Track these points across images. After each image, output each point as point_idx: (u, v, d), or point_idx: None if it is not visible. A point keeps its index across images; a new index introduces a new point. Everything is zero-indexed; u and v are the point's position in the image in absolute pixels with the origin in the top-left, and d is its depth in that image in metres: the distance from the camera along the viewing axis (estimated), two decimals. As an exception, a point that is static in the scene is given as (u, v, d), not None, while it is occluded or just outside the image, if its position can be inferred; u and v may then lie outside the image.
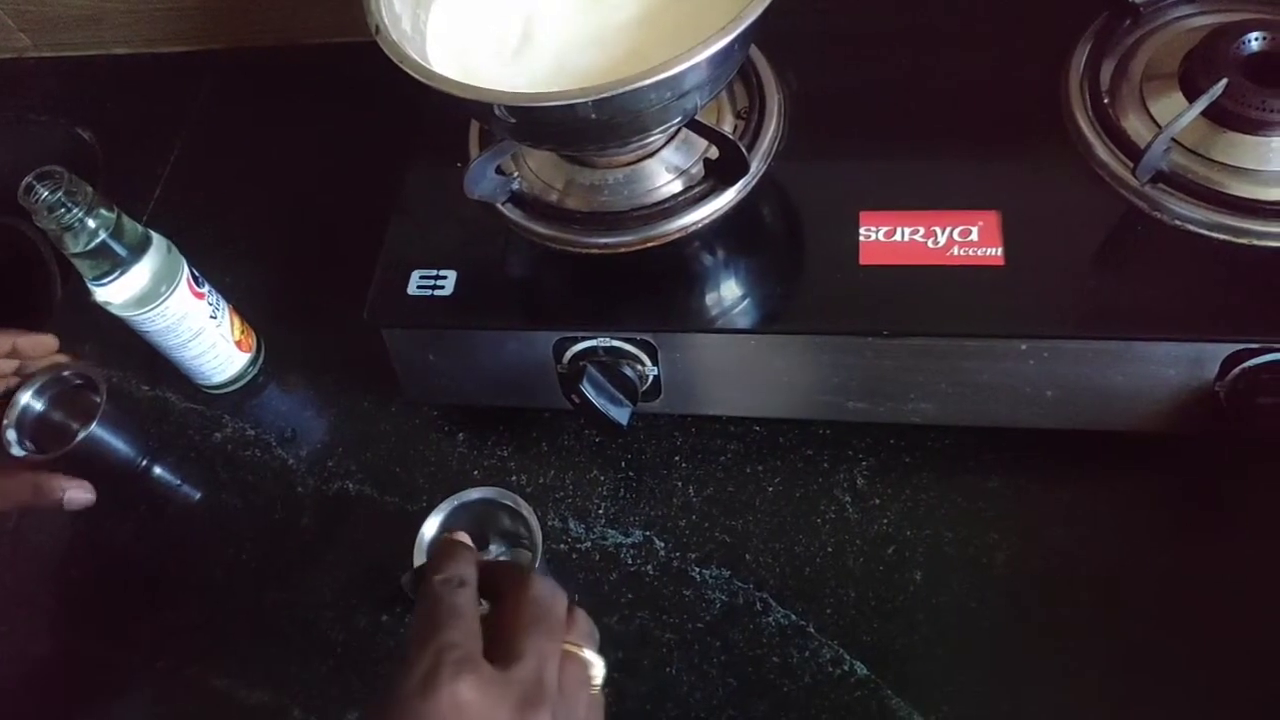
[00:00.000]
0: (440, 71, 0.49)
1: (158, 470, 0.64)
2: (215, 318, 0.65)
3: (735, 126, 0.59)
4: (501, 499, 0.52)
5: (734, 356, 0.55)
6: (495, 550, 0.57)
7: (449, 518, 0.52)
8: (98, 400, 0.59)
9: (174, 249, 0.62)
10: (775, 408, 0.59)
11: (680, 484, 0.60)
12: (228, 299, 0.67)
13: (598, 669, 0.41)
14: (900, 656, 0.52)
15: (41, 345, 0.60)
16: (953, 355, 0.52)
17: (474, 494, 0.52)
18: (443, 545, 0.44)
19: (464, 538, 0.45)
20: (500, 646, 0.39)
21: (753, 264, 0.56)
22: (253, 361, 0.69)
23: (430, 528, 0.51)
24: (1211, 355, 0.49)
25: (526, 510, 0.52)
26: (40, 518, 0.66)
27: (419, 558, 0.50)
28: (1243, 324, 0.48)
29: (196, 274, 0.63)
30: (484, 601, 0.42)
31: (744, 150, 0.53)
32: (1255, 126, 0.50)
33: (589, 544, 0.59)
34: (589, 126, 0.48)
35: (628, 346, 0.55)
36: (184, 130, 0.84)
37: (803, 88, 0.60)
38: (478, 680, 0.37)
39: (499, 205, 0.58)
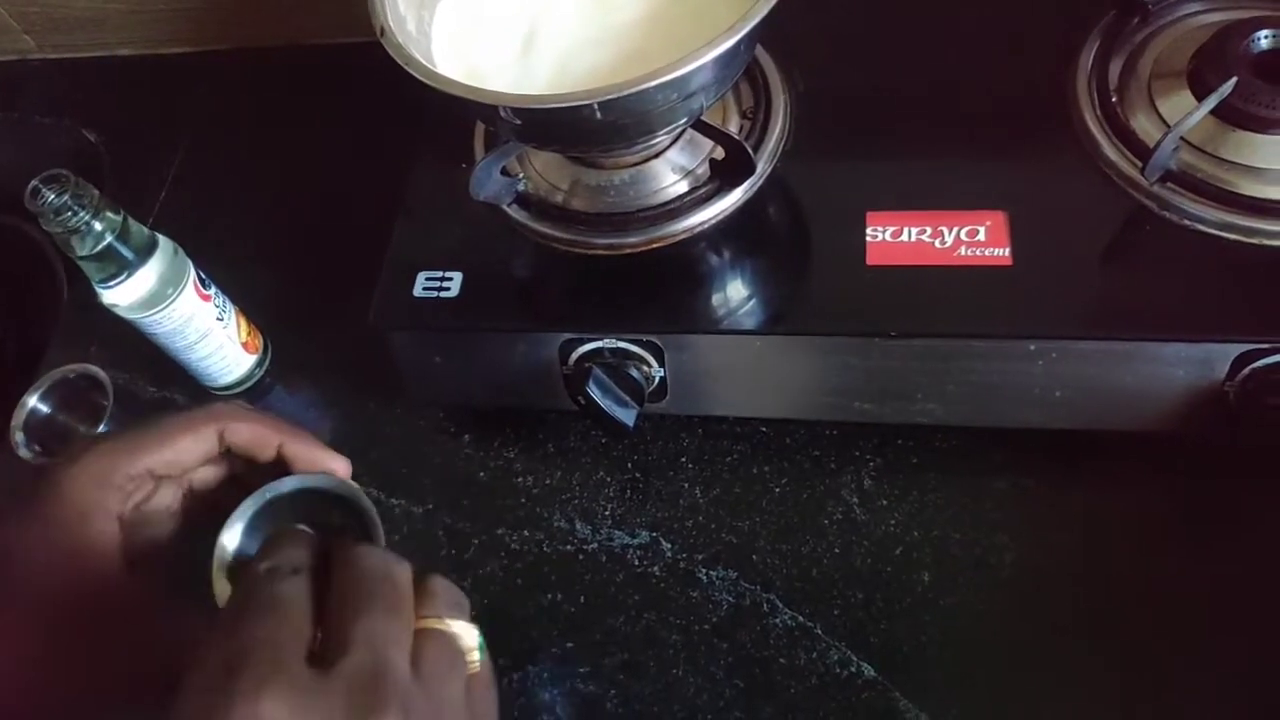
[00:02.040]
0: (445, 73, 0.49)
1: (164, 472, 0.64)
2: (222, 319, 0.65)
3: (741, 127, 0.59)
4: (326, 486, 0.39)
5: (740, 357, 0.55)
6: None
7: (259, 519, 0.38)
8: (105, 403, 0.60)
9: (180, 251, 0.62)
10: (782, 408, 0.59)
11: (687, 485, 0.60)
12: (234, 301, 0.67)
13: (468, 639, 0.34)
14: (908, 658, 0.52)
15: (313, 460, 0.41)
16: (960, 356, 0.51)
17: (289, 483, 0.39)
18: (274, 536, 0.35)
19: (306, 529, 0.36)
20: (325, 641, 0.30)
21: (759, 265, 0.56)
22: (259, 363, 0.69)
23: (232, 539, 0.38)
24: (1221, 355, 0.48)
25: (359, 497, 0.39)
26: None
27: (219, 584, 0.37)
28: (1253, 324, 0.48)
29: (203, 276, 0.64)
30: None
31: (750, 151, 0.53)
32: (1265, 125, 0.50)
33: (595, 545, 0.59)
34: (595, 128, 0.48)
35: (634, 348, 0.55)
36: (189, 132, 0.84)
37: (809, 87, 0.60)
38: (287, 690, 0.28)
39: (504, 206, 0.58)
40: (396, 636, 0.31)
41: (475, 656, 0.34)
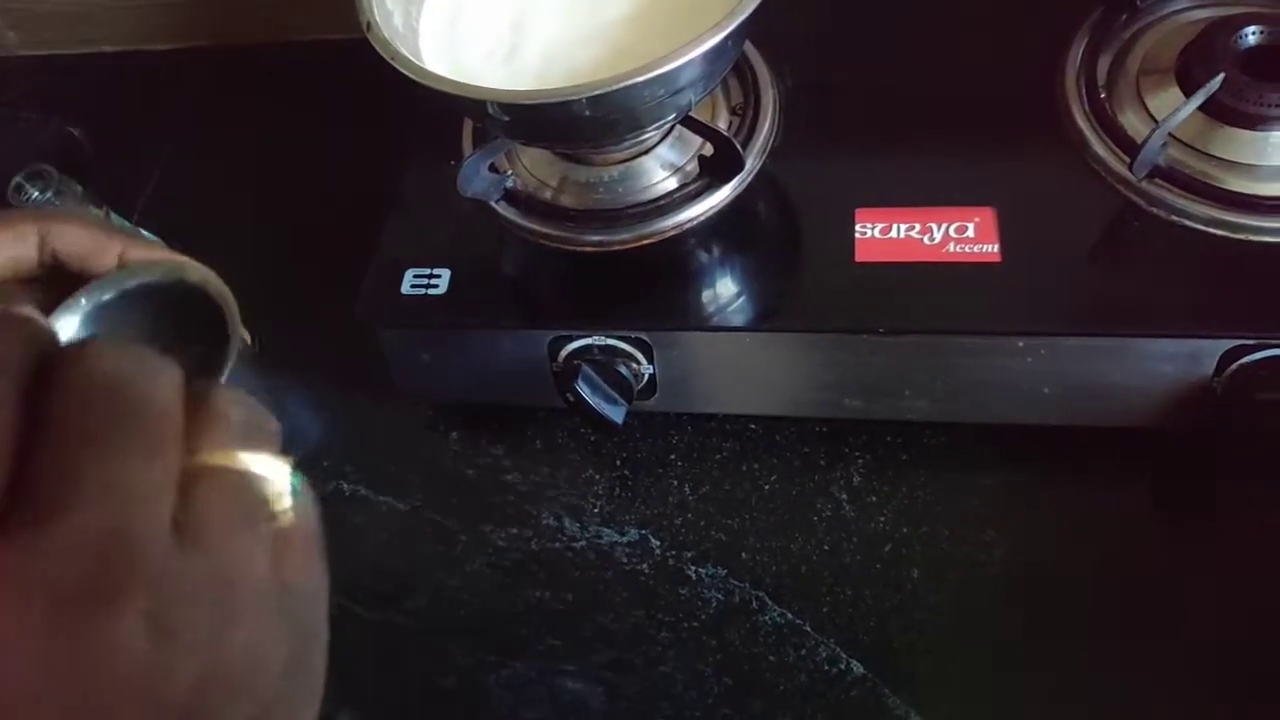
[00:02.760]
0: (432, 69, 0.49)
1: (150, 470, 0.64)
2: (207, 317, 0.64)
3: (730, 123, 0.58)
4: (174, 278, 0.30)
5: (729, 354, 0.55)
6: None
7: (92, 319, 0.29)
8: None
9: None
10: (771, 405, 0.58)
11: (676, 482, 0.60)
12: (220, 298, 0.66)
13: (274, 480, 0.24)
14: (897, 655, 0.52)
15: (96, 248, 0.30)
16: (949, 352, 0.51)
17: (135, 279, 0.29)
18: None
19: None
20: (28, 492, 0.20)
21: (748, 261, 0.56)
22: (245, 360, 0.69)
23: (65, 331, 0.28)
24: (1209, 351, 0.48)
25: (219, 289, 0.30)
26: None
27: None
28: (1240, 320, 0.48)
29: (188, 273, 0.63)
30: None
31: (739, 147, 0.53)
32: (1252, 121, 0.50)
33: (584, 542, 0.59)
34: (583, 124, 0.47)
35: (623, 345, 0.54)
36: (175, 128, 0.83)
37: (798, 83, 0.60)
38: None
39: (493, 203, 0.57)
40: (147, 482, 0.20)
41: (285, 504, 0.23)
